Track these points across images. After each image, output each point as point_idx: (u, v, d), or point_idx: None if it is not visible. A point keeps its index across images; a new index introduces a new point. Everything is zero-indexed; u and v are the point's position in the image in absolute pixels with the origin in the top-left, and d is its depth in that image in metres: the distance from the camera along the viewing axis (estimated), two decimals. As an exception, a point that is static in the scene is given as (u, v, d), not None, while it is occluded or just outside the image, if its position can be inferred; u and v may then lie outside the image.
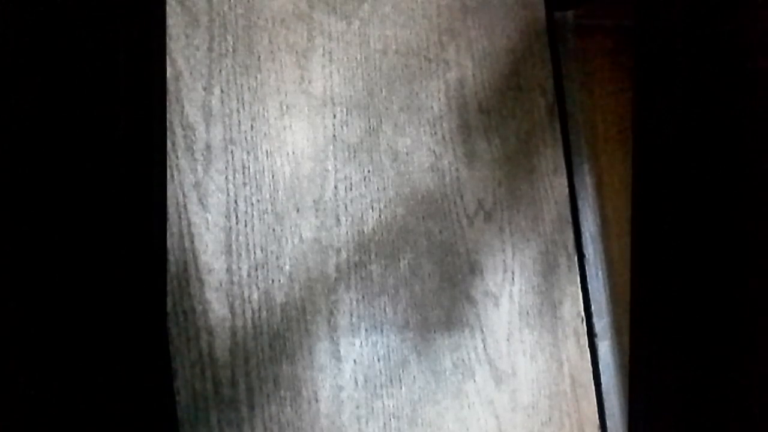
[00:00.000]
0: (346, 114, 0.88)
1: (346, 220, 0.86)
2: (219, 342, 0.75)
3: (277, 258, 0.80)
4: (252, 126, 0.80)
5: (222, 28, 0.79)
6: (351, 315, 0.84)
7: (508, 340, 0.99)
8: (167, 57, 0.75)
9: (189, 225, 0.75)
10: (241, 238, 0.78)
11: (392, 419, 0.86)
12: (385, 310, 0.87)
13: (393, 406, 0.87)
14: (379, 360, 0.86)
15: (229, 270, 0.77)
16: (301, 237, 0.82)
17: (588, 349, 1.08)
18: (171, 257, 0.73)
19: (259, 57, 0.81)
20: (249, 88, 0.80)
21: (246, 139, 0.80)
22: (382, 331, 0.87)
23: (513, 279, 1.01)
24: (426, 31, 0.96)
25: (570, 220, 1.09)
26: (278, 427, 0.78)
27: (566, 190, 1.09)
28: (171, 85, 0.75)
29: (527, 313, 1.02)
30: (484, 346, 0.96)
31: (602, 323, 1.10)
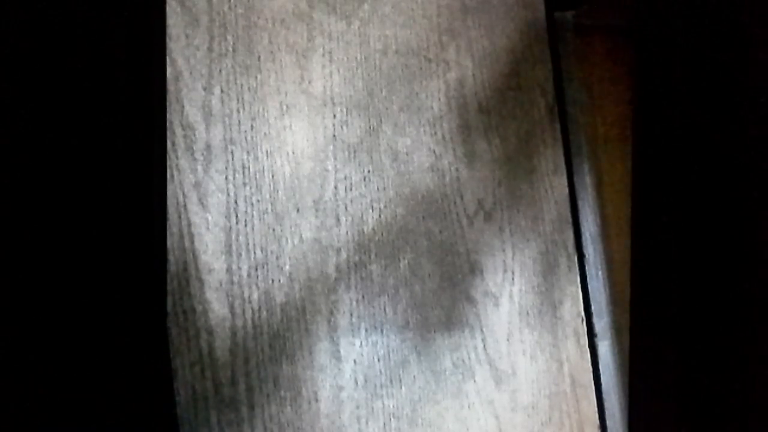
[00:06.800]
0: (346, 114, 0.88)
1: (346, 220, 0.86)
2: (219, 342, 0.75)
3: (277, 258, 0.80)
4: (252, 126, 0.80)
5: (222, 28, 0.79)
6: (351, 315, 0.84)
7: (508, 340, 0.99)
8: (167, 57, 0.75)
9: (189, 225, 0.75)
10: (241, 238, 0.78)
11: (392, 419, 0.86)
12: (385, 310, 0.87)
13: (393, 406, 0.87)
14: (379, 360, 0.86)
15: (229, 270, 0.77)
16: (301, 237, 0.82)
17: (588, 349, 1.08)
18: (171, 257, 0.73)
19: (259, 57, 0.81)
20: (249, 88, 0.80)
21: (246, 139, 0.80)
22: (382, 331, 0.87)
23: (513, 279, 1.01)
24: (426, 31, 0.96)
25: (570, 220, 1.09)
26: (278, 427, 0.78)
27: (566, 190, 1.09)
28: (171, 85, 0.75)
29: (527, 313, 1.02)
30: (484, 346, 0.96)
31: (602, 323, 1.10)
